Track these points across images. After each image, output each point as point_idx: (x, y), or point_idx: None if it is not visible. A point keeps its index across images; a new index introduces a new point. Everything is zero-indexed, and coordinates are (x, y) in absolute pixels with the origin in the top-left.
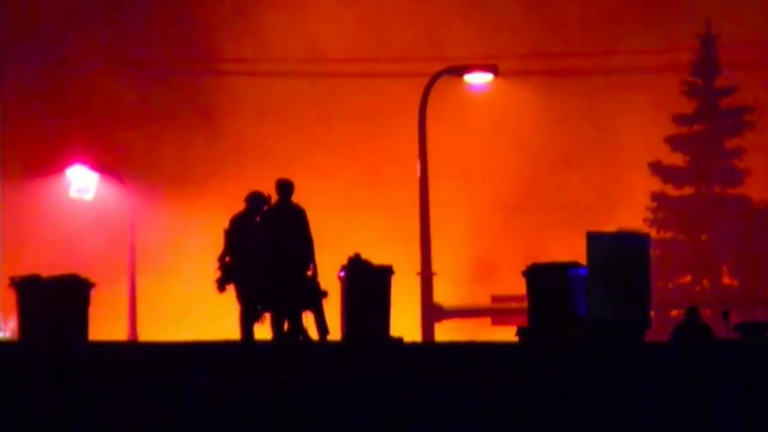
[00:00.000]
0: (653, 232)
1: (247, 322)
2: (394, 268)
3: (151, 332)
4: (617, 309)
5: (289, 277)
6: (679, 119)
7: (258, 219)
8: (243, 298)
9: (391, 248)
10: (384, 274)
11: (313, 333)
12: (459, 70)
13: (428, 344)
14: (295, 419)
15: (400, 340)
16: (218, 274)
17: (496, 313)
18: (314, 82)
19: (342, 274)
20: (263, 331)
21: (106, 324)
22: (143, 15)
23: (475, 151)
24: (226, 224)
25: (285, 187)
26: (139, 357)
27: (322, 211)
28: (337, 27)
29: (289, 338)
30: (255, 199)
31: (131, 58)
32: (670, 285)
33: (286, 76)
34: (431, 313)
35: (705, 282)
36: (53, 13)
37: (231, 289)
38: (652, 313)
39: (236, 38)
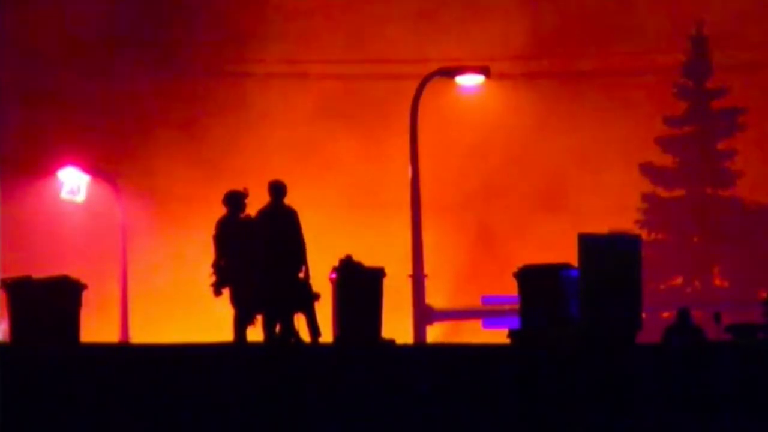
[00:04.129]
0: (644, 234)
1: (241, 325)
2: (386, 270)
3: (143, 334)
4: (609, 310)
5: (281, 279)
6: (671, 121)
7: (243, 217)
8: (237, 301)
9: (383, 250)
10: (376, 276)
11: (305, 335)
12: (450, 72)
13: (420, 346)
14: (287, 421)
15: (391, 342)
16: (213, 278)
17: (488, 315)
18: (305, 84)
19: (333, 276)
20: (255, 333)
21: (97, 326)
22: (140, 19)
23: (466, 153)
24: (212, 230)
25: (277, 189)
26: (130, 359)
27: (314, 213)
28: (328, 29)
29: (281, 340)
30: (233, 198)
31: (126, 60)
32: (662, 286)
33: (279, 78)
34: (423, 315)
35: (696, 283)
36: (52, 14)
37: (226, 293)
38: (643, 315)
39: (230, 43)
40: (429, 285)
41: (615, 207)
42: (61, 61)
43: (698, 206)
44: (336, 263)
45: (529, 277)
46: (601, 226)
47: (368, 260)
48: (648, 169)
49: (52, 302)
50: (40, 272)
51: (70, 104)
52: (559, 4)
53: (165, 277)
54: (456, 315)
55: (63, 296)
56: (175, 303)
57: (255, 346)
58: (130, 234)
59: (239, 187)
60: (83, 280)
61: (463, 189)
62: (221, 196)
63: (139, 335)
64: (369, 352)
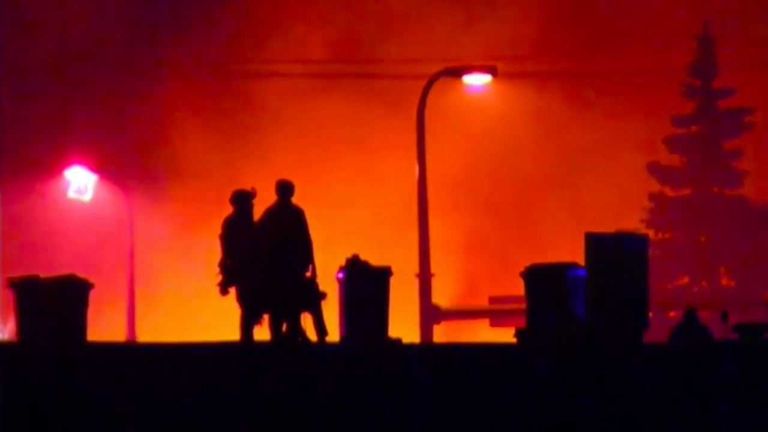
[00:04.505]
0: (651, 233)
1: (248, 323)
2: (393, 269)
3: (150, 333)
4: (615, 310)
5: (288, 278)
6: (678, 120)
7: (249, 216)
8: (243, 299)
9: (390, 249)
10: (382, 275)
11: (312, 334)
12: (457, 72)
13: (426, 345)
14: (294, 420)
15: (398, 342)
16: (219, 277)
17: (495, 314)
18: (311, 83)
19: (340, 275)
20: (262, 333)
21: (104, 325)
22: (148, 17)
23: (473, 152)
24: (219, 229)
25: (285, 188)
26: (137, 358)
27: (322, 212)
28: (333, 28)
29: (288, 339)
30: (241, 198)
31: (129, 60)
32: (669, 286)
33: (283, 77)
34: (429, 314)
35: (703, 283)
36: (53, 15)
37: (233, 292)
38: (650, 314)
39: (233, 40)
40: (436, 284)
41: (622, 206)
42: (68, 59)
43: (705, 206)
44: (343, 262)
45: (536, 276)
46: (608, 225)
47: (375, 259)
48: (655, 169)
49: (59, 302)
50: (47, 271)
51: (77, 103)
52: (566, 3)
53: (172, 276)
54: (463, 314)
55: (70, 296)
56: (182, 302)
57: (262, 345)
58: (138, 233)
59: (247, 187)
60: (90, 279)
61: (470, 188)
62: (229, 194)
63: (146, 334)
64: (375, 352)
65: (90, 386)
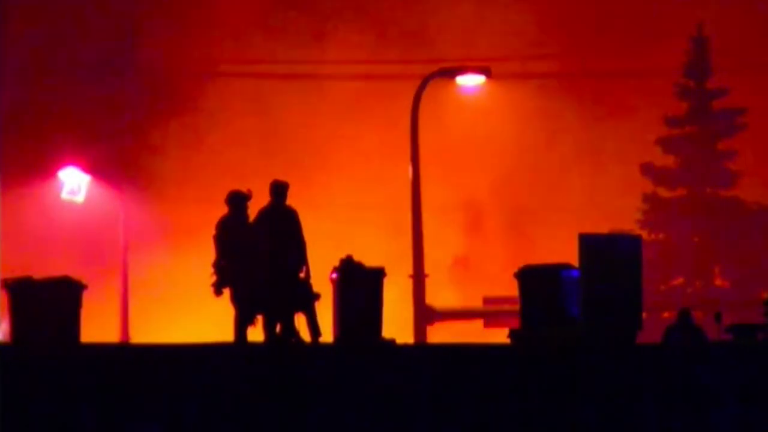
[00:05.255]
0: (645, 234)
1: (242, 324)
2: (387, 270)
3: (143, 334)
4: (609, 310)
5: (282, 279)
6: (672, 121)
7: (244, 217)
8: (238, 300)
9: (384, 250)
10: (376, 275)
11: (305, 335)
12: (451, 72)
13: (420, 346)
14: (288, 421)
15: (392, 342)
16: (214, 278)
17: (489, 315)
18: (307, 83)
19: (334, 275)
20: (256, 333)
21: (97, 326)
22: (137, 17)
23: (467, 153)
24: (213, 230)
25: (279, 189)
26: (131, 359)
27: (315, 213)
28: (329, 28)
29: (281, 340)
30: (237, 199)
31: (124, 60)
32: (663, 287)
33: (279, 78)
34: (423, 315)
35: (697, 283)
36: (51, 16)
37: (227, 292)
38: (644, 315)
39: (229, 39)
40: (429, 285)
41: (616, 207)
42: (61, 59)
43: (699, 206)
44: (337, 263)
45: (530, 277)
46: (602, 226)
47: (369, 260)
48: (649, 169)
49: (52, 302)
50: (40, 272)
51: (70, 104)
52: (560, 4)
53: (166, 277)
54: (457, 315)
55: (63, 296)
56: (175, 303)
57: (255, 346)
58: (131, 234)
59: (243, 188)
60: (83, 280)
61: (464, 188)
62: (223, 197)
63: (140, 335)
64: (369, 352)
65: (83, 387)
